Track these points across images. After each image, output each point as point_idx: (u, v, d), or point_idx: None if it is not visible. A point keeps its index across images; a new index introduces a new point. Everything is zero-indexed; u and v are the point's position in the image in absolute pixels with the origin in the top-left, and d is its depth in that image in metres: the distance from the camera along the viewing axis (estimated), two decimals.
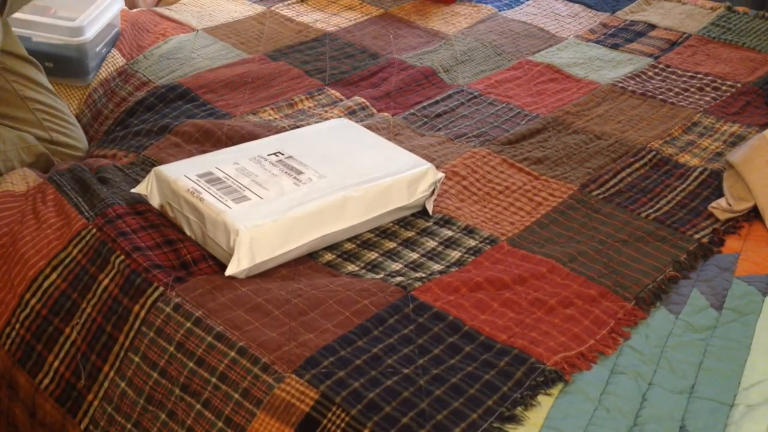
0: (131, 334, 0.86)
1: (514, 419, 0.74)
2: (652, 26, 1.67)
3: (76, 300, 0.92)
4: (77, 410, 0.88)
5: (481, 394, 0.76)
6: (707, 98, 1.38)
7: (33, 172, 1.12)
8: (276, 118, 1.27)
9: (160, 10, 1.66)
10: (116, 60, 1.46)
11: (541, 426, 0.74)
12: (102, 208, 0.98)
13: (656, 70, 1.49)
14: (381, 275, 0.93)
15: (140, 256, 0.91)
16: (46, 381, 0.90)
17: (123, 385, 0.85)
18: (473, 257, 0.97)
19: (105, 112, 1.36)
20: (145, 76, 1.40)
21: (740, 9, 1.75)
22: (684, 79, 1.46)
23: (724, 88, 1.42)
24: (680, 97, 1.39)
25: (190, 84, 1.35)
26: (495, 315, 0.87)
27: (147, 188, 1.00)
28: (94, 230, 0.95)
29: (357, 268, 0.94)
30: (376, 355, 0.80)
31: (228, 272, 0.89)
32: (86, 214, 0.98)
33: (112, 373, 0.86)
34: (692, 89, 1.42)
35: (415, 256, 0.97)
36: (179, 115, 1.28)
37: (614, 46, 1.59)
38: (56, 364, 0.90)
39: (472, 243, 1.00)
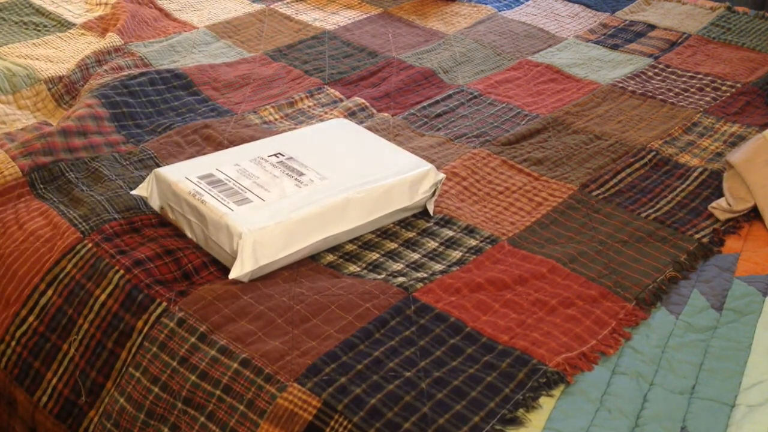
0: (134, 350, 0.86)
1: (515, 421, 0.74)
2: (652, 26, 1.67)
3: (72, 316, 0.91)
4: (78, 427, 0.88)
5: (483, 396, 0.76)
6: (707, 98, 1.39)
7: (7, 155, 1.07)
8: (277, 118, 1.28)
9: (161, 3, 1.67)
10: (114, 40, 1.46)
11: (542, 428, 0.74)
12: (98, 223, 0.97)
13: (656, 71, 1.49)
14: (383, 275, 0.93)
15: (141, 271, 0.91)
16: (45, 398, 0.90)
17: (122, 400, 0.85)
18: (474, 256, 0.97)
19: (98, 71, 1.36)
20: (146, 58, 1.41)
21: (740, 9, 1.75)
22: (684, 79, 1.46)
23: (724, 88, 1.42)
24: (680, 97, 1.39)
25: (194, 77, 1.36)
26: (496, 316, 0.87)
27: (147, 190, 1.00)
28: (90, 245, 0.94)
29: (359, 269, 0.95)
30: (378, 358, 0.80)
31: (231, 275, 0.89)
32: (80, 227, 0.97)
33: (113, 389, 0.86)
34: (692, 89, 1.42)
35: (416, 256, 0.97)
36: (181, 106, 1.28)
37: (614, 47, 1.59)
38: (54, 381, 0.90)
39: (472, 243, 1.00)
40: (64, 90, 1.34)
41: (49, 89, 1.34)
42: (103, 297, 0.90)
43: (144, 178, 1.08)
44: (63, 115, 1.26)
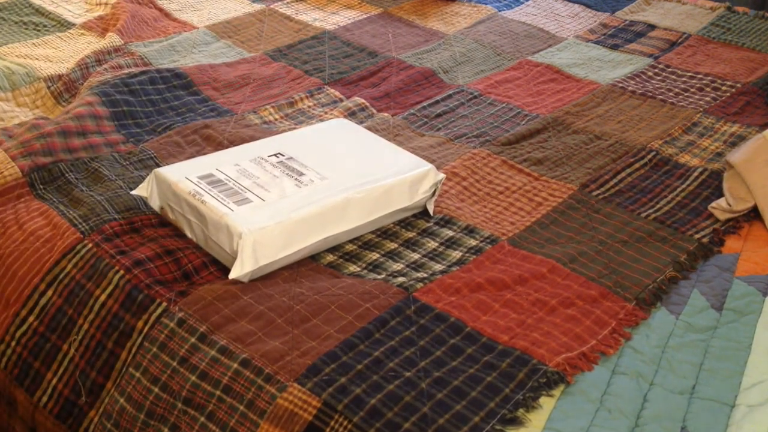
0: (134, 350, 0.86)
1: (515, 421, 0.74)
2: (652, 26, 1.67)
3: (72, 316, 0.91)
4: (78, 427, 0.88)
5: (483, 396, 0.76)
6: (707, 98, 1.39)
7: (6, 155, 1.08)
8: (277, 118, 1.28)
9: (161, 3, 1.67)
10: (113, 40, 1.46)
11: (542, 428, 0.74)
12: (98, 224, 0.97)
13: (656, 71, 1.49)
14: (383, 275, 0.93)
15: (141, 272, 0.91)
16: (45, 398, 0.90)
17: (122, 400, 0.85)
18: (474, 256, 0.97)
19: (98, 69, 1.36)
20: (146, 57, 1.42)
21: (740, 9, 1.75)
22: (684, 79, 1.46)
23: (724, 88, 1.42)
24: (680, 97, 1.39)
25: (194, 76, 1.36)
26: (496, 316, 0.87)
27: (147, 190, 1.00)
28: (90, 245, 0.94)
29: (359, 269, 0.95)
30: (378, 358, 0.80)
31: (231, 275, 0.89)
32: (80, 227, 0.97)
33: (113, 390, 0.86)
34: (692, 89, 1.42)
35: (416, 256, 0.97)
36: (181, 106, 1.28)
37: (614, 47, 1.59)
38: (54, 381, 0.90)
39: (472, 242, 1.00)
40: (64, 88, 1.34)
41: (48, 87, 1.34)
42: (103, 297, 0.90)
43: (144, 178, 1.08)
44: (62, 110, 1.25)
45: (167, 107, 1.28)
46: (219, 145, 1.16)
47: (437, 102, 1.35)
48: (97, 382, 0.88)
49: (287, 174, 1.00)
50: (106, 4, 1.65)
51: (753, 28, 1.66)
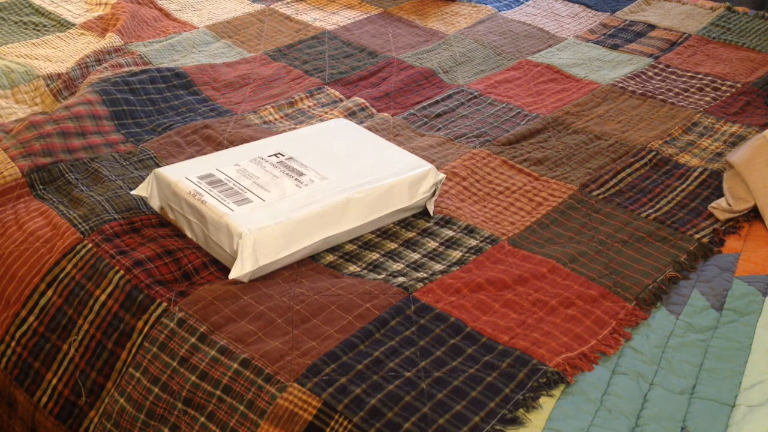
0: (134, 350, 0.86)
1: (516, 421, 0.74)
2: (652, 26, 1.67)
3: (72, 316, 0.91)
4: (78, 428, 0.88)
5: (483, 396, 0.76)
6: (707, 98, 1.39)
7: (6, 155, 1.08)
8: (277, 118, 1.28)
9: (161, 3, 1.67)
10: (114, 40, 1.47)
11: (542, 428, 0.74)
12: (98, 224, 0.97)
13: (656, 71, 1.49)
14: (383, 275, 0.93)
15: (141, 272, 0.91)
16: (45, 399, 0.90)
17: (122, 401, 0.85)
18: (474, 256, 0.97)
19: (98, 68, 1.36)
20: (146, 57, 1.42)
21: (740, 9, 1.75)
22: (684, 79, 1.46)
23: (724, 88, 1.42)
24: (680, 97, 1.39)
25: (194, 76, 1.36)
26: (497, 316, 0.87)
27: (147, 190, 1.00)
28: (90, 245, 0.94)
29: (359, 269, 0.95)
30: (378, 358, 0.80)
31: (231, 275, 0.89)
32: (80, 227, 0.97)
33: (113, 390, 0.86)
34: (692, 89, 1.42)
35: (416, 256, 0.97)
36: (180, 105, 1.28)
37: (614, 47, 1.59)
38: (54, 381, 0.90)
39: (473, 243, 1.00)
40: (63, 86, 1.34)
41: (48, 85, 1.34)
42: (103, 297, 0.90)
43: (144, 178, 1.08)
44: (61, 105, 1.25)
45: (167, 107, 1.28)
46: (219, 145, 1.16)
47: (437, 102, 1.35)
48: (97, 382, 0.88)
49: (287, 174, 1.00)
50: (106, 4, 1.65)
51: (753, 28, 1.66)
